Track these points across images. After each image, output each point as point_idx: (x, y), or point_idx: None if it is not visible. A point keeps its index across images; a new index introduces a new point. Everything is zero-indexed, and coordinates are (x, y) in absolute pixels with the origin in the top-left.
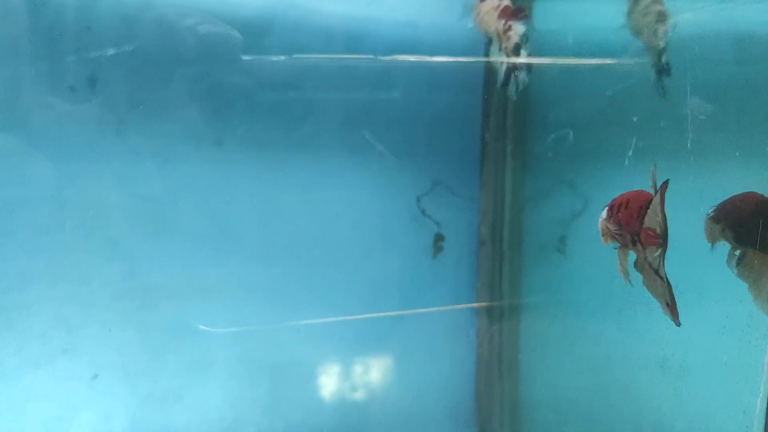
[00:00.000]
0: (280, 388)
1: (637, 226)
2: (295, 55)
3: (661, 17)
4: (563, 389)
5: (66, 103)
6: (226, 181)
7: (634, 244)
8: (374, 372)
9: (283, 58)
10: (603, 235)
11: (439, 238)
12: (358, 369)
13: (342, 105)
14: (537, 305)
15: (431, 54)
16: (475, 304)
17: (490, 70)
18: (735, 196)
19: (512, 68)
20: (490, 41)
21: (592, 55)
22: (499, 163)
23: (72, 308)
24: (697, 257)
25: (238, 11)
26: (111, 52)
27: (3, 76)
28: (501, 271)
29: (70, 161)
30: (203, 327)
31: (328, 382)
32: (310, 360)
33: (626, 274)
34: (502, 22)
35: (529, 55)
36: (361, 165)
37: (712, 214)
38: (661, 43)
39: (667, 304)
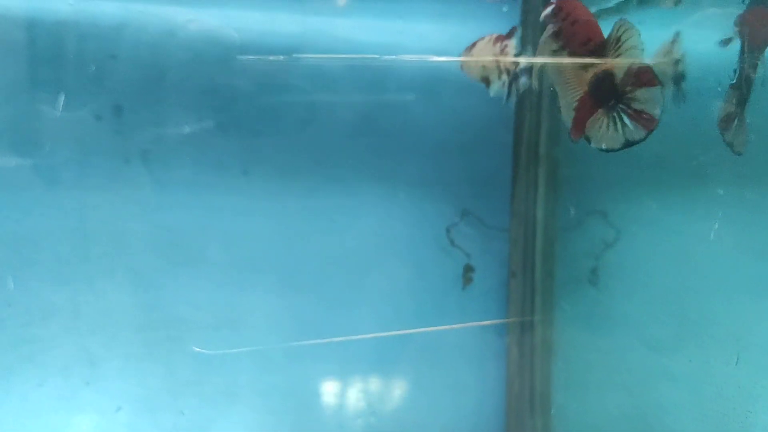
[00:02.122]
0: (305, 419)
1: (574, 47)
2: (297, 55)
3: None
4: (597, 426)
5: (91, 133)
6: (251, 211)
7: (565, 47)
8: (400, 405)
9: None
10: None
11: (468, 269)
12: (384, 401)
13: (370, 134)
14: (569, 338)
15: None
16: (505, 337)
17: (522, 96)
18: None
19: (512, 81)
20: (487, 83)
21: None
22: (531, 192)
23: (95, 341)
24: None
25: (266, 40)
26: (136, 80)
27: (28, 104)
28: (533, 304)
29: (95, 191)
30: (197, 349)
31: (354, 414)
32: (334, 392)
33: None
34: (498, 47)
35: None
36: (389, 194)
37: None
38: (676, 55)
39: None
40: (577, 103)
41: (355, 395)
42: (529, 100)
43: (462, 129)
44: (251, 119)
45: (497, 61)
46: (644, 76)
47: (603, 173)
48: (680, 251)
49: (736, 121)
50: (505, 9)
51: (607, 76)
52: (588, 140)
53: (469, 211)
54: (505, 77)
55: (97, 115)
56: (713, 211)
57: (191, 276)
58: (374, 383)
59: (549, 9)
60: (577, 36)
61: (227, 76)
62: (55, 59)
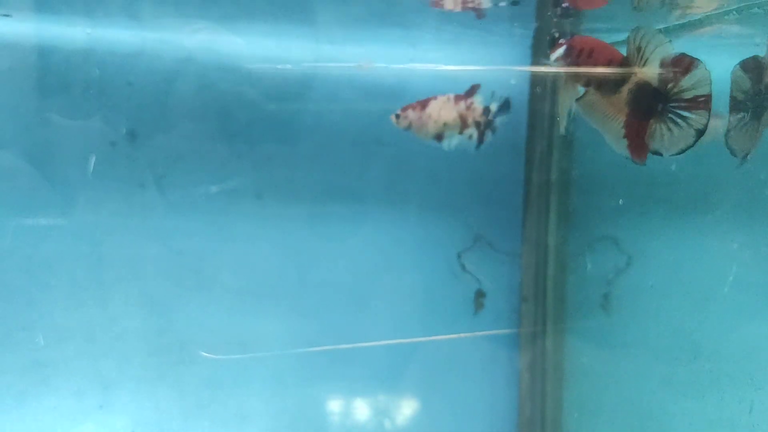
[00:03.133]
0: None
1: (599, 76)
2: (306, 63)
3: None
4: None
5: (106, 158)
6: (264, 235)
7: (588, 84)
8: (410, 429)
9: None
10: (559, 57)
11: (480, 294)
12: (394, 426)
13: (381, 158)
14: (581, 364)
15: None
16: (517, 362)
17: (533, 121)
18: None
19: (484, 129)
20: (440, 138)
21: None
22: (542, 218)
23: (108, 364)
24: None
25: (262, 67)
26: (151, 106)
27: (43, 131)
28: (544, 329)
29: (109, 216)
30: (206, 354)
31: None
32: (345, 415)
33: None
34: (461, 104)
35: (500, 100)
36: (400, 219)
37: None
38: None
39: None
40: (624, 129)
41: (365, 419)
42: (541, 127)
43: (474, 154)
44: (265, 144)
45: (461, 117)
46: (682, 63)
47: (615, 199)
48: (693, 280)
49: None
50: (516, 34)
51: (642, 86)
52: (659, 153)
53: (480, 236)
54: (472, 130)
55: (111, 141)
56: (729, 239)
57: (204, 300)
58: (384, 408)
59: (560, 50)
60: (599, 64)
61: (241, 103)
62: (72, 86)
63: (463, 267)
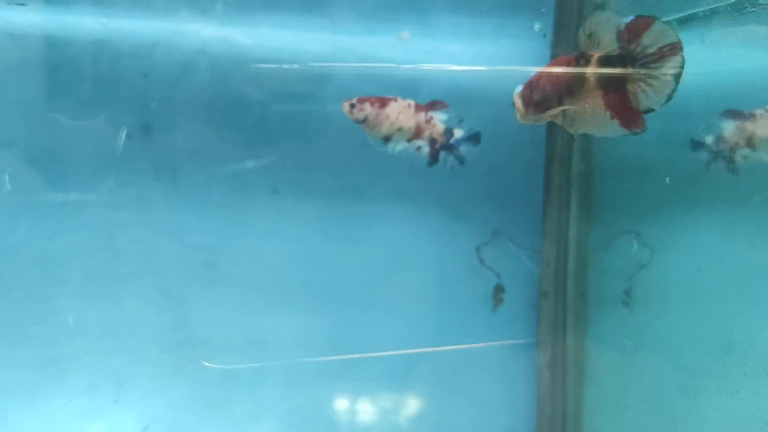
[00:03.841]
0: None
1: (564, 81)
2: (313, 63)
3: None
4: None
5: (121, 151)
6: (279, 230)
7: (560, 102)
8: (428, 426)
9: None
10: (521, 110)
11: (499, 289)
12: (411, 423)
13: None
14: (602, 360)
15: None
16: (536, 359)
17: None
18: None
19: (442, 148)
20: (386, 140)
21: None
22: (563, 212)
23: (122, 360)
24: None
25: (297, 59)
26: (166, 99)
27: (58, 124)
28: (564, 325)
29: (124, 210)
30: (207, 364)
31: None
32: (360, 412)
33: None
34: (421, 115)
35: (469, 130)
36: (418, 213)
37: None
38: None
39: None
40: (609, 112)
41: (381, 416)
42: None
43: (492, 147)
44: (281, 138)
45: (417, 127)
46: (638, 24)
47: (637, 193)
48: (721, 275)
49: None
50: (536, 27)
51: (606, 63)
52: (651, 110)
53: (499, 230)
54: (422, 143)
55: (126, 133)
56: (757, 233)
57: (219, 295)
58: (401, 404)
59: (522, 90)
60: (560, 80)
61: (257, 96)
62: (87, 78)
63: (482, 262)
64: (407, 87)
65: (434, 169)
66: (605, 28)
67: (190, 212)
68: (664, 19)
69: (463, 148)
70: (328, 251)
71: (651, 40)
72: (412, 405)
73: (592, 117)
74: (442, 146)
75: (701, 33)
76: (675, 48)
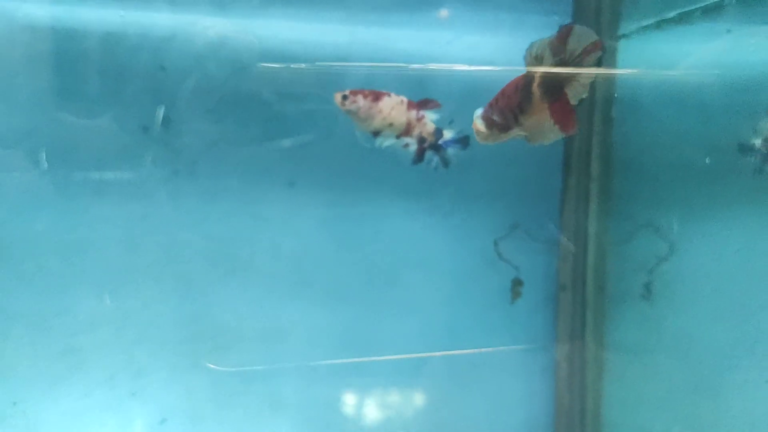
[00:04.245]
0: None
1: (516, 101)
2: (320, 63)
3: None
4: None
5: (139, 143)
6: (297, 222)
7: (516, 120)
8: (445, 420)
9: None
10: (481, 132)
11: (517, 283)
12: (428, 416)
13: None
14: (621, 354)
15: None
16: (554, 353)
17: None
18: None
19: (428, 148)
20: (375, 134)
21: (678, 94)
22: (582, 205)
23: (141, 351)
24: None
25: (316, 50)
26: (184, 91)
27: (76, 116)
28: (583, 318)
29: (143, 201)
30: (212, 366)
31: (398, 428)
32: (378, 405)
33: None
34: (413, 113)
35: (458, 133)
36: (435, 206)
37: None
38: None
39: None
40: (553, 118)
41: (399, 409)
42: (580, 111)
43: (510, 141)
44: (298, 130)
45: (408, 124)
46: (562, 33)
47: (656, 186)
48: (742, 269)
49: None
50: (556, 18)
51: (546, 75)
52: (581, 101)
53: (517, 224)
54: (411, 141)
55: (144, 126)
56: None
57: (237, 286)
58: (419, 397)
59: (483, 113)
60: (509, 92)
61: (275, 88)
62: (105, 71)
63: (499, 255)
64: (423, 80)
65: (453, 162)
66: (544, 47)
67: (208, 204)
68: (688, 8)
69: (451, 151)
70: (345, 244)
71: (575, 44)
72: (428, 399)
73: (542, 128)
74: (429, 146)
75: (727, 23)
76: (596, 46)
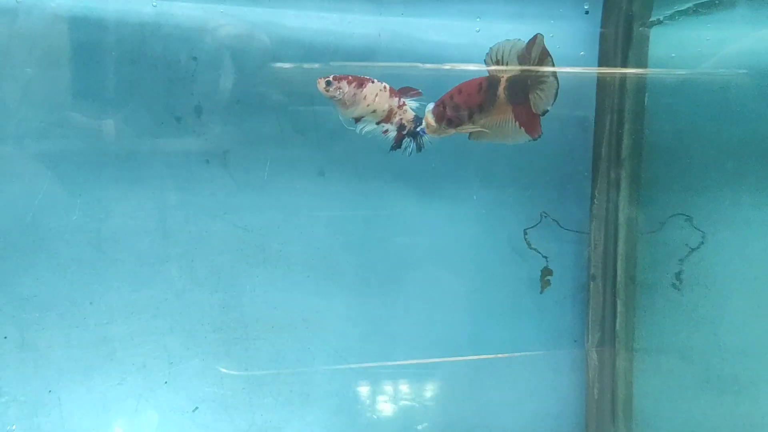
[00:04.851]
0: (378, 421)
1: (477, 101)
2: (333, 63)
3: None
4: None
5: (171, 134)
6: (326, 212)
7: (470, 117)
8: (474, 409)
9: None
10: (431, 126)
11: (546, 272)
12: (457, 405)
13: (443, 136)
14: (652, 344)
15: None
16: (583, 342)
17: (602, 94)
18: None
19: (408, 135)
20: (356, 120)
21: (711, 82)
22: (612, 194)
23: (174, 340)
24: None
25: (344, 42)
26: (216, 81)
27: (109, 107)
28: (614, 308)
29: (175, 191)
30: (223, 370)
31: (427, 416)
32: (408, 394)
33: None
34: (395, 100)
35: None
36: (463, 196)
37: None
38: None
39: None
40: (517, 122)
41: (428, 397)
42: (611, 99)
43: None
44: (327, 121)
45: (390, 111)
46: (530, 44)
47: (688, 174)
48: None
49: None
50: (586, 6)
51: (512, 80)
52: (546, 111)
53: (546, 213)
54: (390, 127)
55: (177, 116)
56: None
57: (268, 276)
58: (448, 386)
59: (434, 108)
60: (470, 91)
61: (304, 78)
62: (138, 61)
63: (529, 244)
64: (439, 77)
65: (482, 150)
66: (509, 54)
67: (239, 194)
68: None
69: (427, 137)
70: (374, 233)
71: (538, 52)
72: (456, 389)
73: (501, 129)
74: (408, 133)
75: None
76: (543, 53)
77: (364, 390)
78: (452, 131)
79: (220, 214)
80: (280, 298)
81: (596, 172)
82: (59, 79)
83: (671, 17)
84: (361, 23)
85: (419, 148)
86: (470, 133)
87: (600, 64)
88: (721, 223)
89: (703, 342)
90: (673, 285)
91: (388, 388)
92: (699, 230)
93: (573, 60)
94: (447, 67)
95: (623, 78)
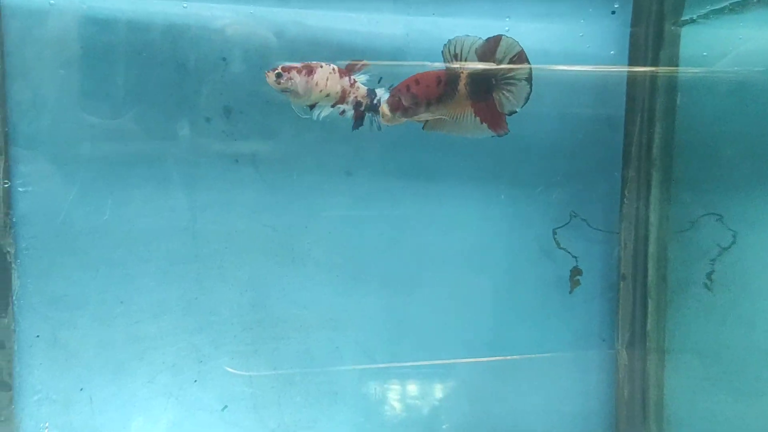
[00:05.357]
0: (407, 421)
1: (436, 93)
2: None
3: None
4: None
5: (201, 134)
6: (354, 212)
7: (428, 107)
8: (502, 408)
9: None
10: (387, 115)
11: (576, 272)
12: (485, 404)
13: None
14: (684, 344)
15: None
16: (613, 342)
17: (632, 92)
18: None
19: (366, 110)
20: (311, 107)
21: (744, 80)
22: (642, 193)
23: (203, 339)
24: None
25: (372, 41)
26: (245, 82)
27: (139, 107)
28: (645, 308)
29: (204, 191)
30: (230, 370)
31: (455, 416)
32: (436, 393)
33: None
34: (346, 79)
35: (390, 86)
36: (490, 195)
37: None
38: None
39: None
40: (477, 117)
41: (457, 397)
42: (641, 97)
43: (568, 128)
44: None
45: (343, 92)
46: (490, 43)
47: (719, 174)
48: None
49: None
50: (616, 5)
51: (473, 77)
52: (514, 112)
53: (576, 212)
54: (347, 107)
55: (206, 116)
56: None
57: (296, 275)
58: (475, 386)
59: (390, 98)
60: (429, 83)
61: None
62: (167, 62)
63: (558, 244)
64: None
65: (511, 149)
66: (466, 49)
67: (268, 194)
68: None
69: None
70: (402, 233)
71: (502, 54)
72: (484, 389)
73: (460, 122)
74: (366, 108)
75: None
76: (521, 57)
77: (391, 389)
78: (404, 120)
79: (249, 213)
80: (308, 297)
81: (626, 171)
82: (90, 80)
83: (705, 16)
84: (390, 23)
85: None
86: (425, 123)
87: (630, 63)
88: (752, 223)
89: (735, 343)
90: (705, 285)
91: (416, 387)
92: (730, 230)
93: (603, 59)
94: (456, 65)
95: (654, 77)
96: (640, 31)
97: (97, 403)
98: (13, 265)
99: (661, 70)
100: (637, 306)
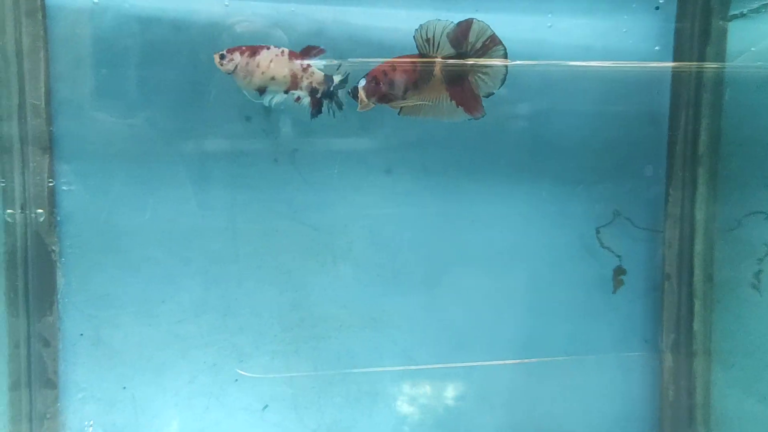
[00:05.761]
0: (447, 421)
1: (413, 78)
2: (351, 60)
3: None
4: None
5: (241, 133)
6: (394, 210)
7: (405, 92)
8: (545, 409)
9: None
10: (364, 101)
11: (619, 271)
12: (527, 405)
13: (511, 132)
14: (731, 345)
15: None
16: (657, 343)
17: (677, 88)
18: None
19: (323, 97)
20: (261, 91)
21: None
22: (688, 191)
23: (243, 338)
24: None
25: (412, 38)
26: None
27: (180, 106)
28: (690, 308)
29: (244, 190)
30: (241, 372)
31: (496, 417)
32: (477, 394)
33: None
34: (296, 63)
35: (345, 73)
36: (533, 193)
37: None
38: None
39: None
40: (454, 101)
41: (497, 398)
42: (687, 94)
43: (611, 125)
44: (394, 119)
45: (293, 76)
46: (462, 27)
47: (766, 171)
48: None
49: None
50: (661, 1)
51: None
52: (491, 94)
53: (619, 211)
54: (302, 94)
55: (246, 115)
56: None
57: (337, 275)
58: (518, 386)
59: (366, 84)
60: (405, 68)
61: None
62: (209, 60)
63: (601, 243)
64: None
65: (554, 147)
66: (438, 33)
67: (307, 193)
68: None
69: (341, 93)
70: (442, 231)
71: (475, 38)
72: (526, 390)
73: (436, 106)
74: (323, 95)
75: None
76: (494, 40)
77: (431, 390)
78: (373, 105)
79: (289, 212)
80: (348, 296)
81: (671, 169)
82: (132, 79)
83: (756, 10)
84: (429, 19)
85: (339, 106)
86: (401, 108)
87: (675, 59)
88: None
89: None
90: (752, 285)
91: (455, 387)
92: None
93: (647, 55)
94: (517, 63)
95: (700, 73)
96: (685, 27)
97: (140, 401)
98: (57, 264)
99: (709, 65)
100: (682, 306)
